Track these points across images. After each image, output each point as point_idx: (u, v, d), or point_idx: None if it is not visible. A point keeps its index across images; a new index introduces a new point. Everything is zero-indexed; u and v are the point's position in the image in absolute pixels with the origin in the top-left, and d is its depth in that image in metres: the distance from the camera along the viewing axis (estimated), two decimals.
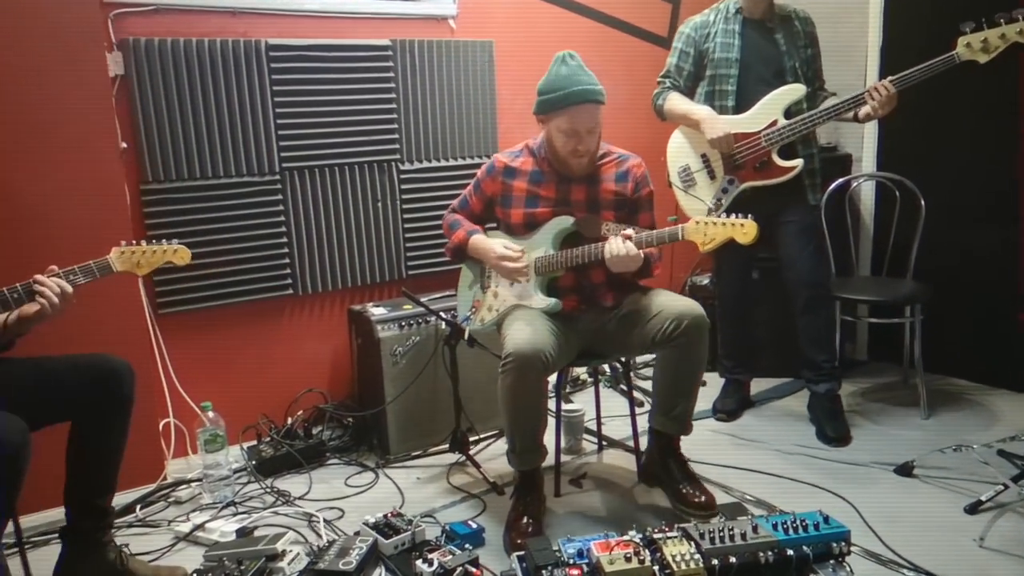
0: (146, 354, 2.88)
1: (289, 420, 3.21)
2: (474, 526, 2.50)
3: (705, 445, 3.14)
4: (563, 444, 3.19)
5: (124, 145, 2.77)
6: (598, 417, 3.21)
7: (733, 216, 2.27)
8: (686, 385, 2.55)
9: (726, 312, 3.49)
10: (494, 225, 2.80)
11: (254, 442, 3.15)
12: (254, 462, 3.05)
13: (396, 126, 3.40)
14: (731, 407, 3.46)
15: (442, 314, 3.01)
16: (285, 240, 3.22)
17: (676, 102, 3.16)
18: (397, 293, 3.55)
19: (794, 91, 2.97)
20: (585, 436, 3.27)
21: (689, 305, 2.45)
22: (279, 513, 2.74)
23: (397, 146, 3.41)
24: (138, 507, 2.81)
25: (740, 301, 3.45)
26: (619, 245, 2.38)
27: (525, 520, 2.45)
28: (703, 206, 3.12)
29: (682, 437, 2.67)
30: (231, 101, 3.03)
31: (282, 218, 3.20)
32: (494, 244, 2.61)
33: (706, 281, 4.20)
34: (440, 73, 3.46)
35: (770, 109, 2.98)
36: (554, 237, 2.57)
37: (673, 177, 3.23)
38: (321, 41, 3.16)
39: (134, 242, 2.24)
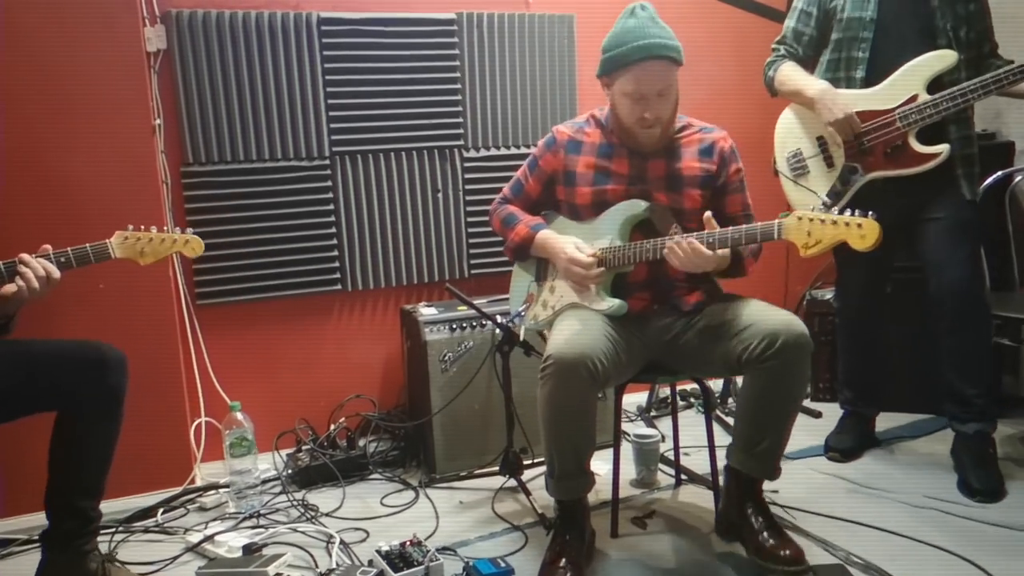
0: (174, 347, 2.69)
1: (332, 427, 2.92)
2: (502, 565, 2.09)
3: (810, 489, 2.56)
4: (635, 475, 2.73)
5: (158, 121, 2.60)
6: (676, 445, 2.71)
7: (848, 213, 1.77)
8: (776, 418, 2.03)
9: (848, 332, 2.89)
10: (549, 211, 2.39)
11: (294, 449, 2.88)
12: (289, 471, 2.80)
13: (460, 109, 3.08)
14: (848, 445, 2.84)
15: (493, 315, 2.62)
16: (334, 231, 2.97)
17: (788, 73, 2.64)
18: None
19: (941, 59, 2.39)
20: (662, 467, 2.78)
21: (787, 320, 1.95)
22: (298, 530, 2.44)
23: (461, 131, 3.09)
24: (160, 511, 2.60)
25: (866, 319, 2.83)
26: (685, 245, 1.96)
27: (563, 563, 2.01)
28: (816, 200, 2.57)
29: (768, 482, 2.13)
30: (279, 79, 2.82)
31: (331, 207, 2.95)
32: (564, 243, 2.20)
33: (829, 296, 3.56)
34: (512, 50, 3.11)
35: (909, 81, 2.40)
36: (623, 224, 2.15)
37: (780, 164, 2.70)
38: (378, 14, 2.90)
39: (142, 227, 2.03)
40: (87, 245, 1.92)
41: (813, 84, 2.56)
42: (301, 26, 2.82)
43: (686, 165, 2.15)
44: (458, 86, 3.06)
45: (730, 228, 1.94)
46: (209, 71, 2.74)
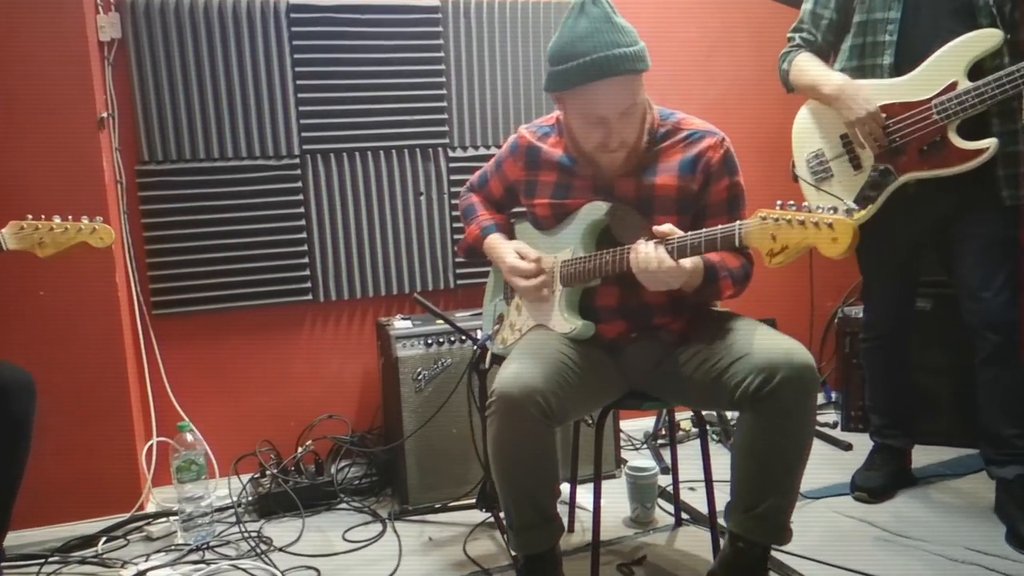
0: (121, 361, 2.47)
1: (299, 450, 2.67)
2: None
3: (830, 537, 2.21)
4: (630, 512, 2.41)
5: (104, 115, 2.39)
6: (675, 479, 2.37)
7: (821, 209, 1.41)
8: (780, 470, 1.66)
9: (874, 352, 2.53)
10: (523, 210, 2.10)
11: (256, 474, 2.63)
12: (249, 498, 2.55)
13: (445, 104, 2.83)
14: (878, 483, 2.48)
15: (469, 330, 2.33)
16: (304, 236, 2.74)
17: (804, 65, 2.32)
18: (443, 305, 2.93)
19: (984, 39, 2.05)
20: (662, 504, 2.45)
21: (787, 349, 1.60)
22: (240, 567, 2.19)
23: (446, 128, 2.84)
24: (102, 540, 2.37)
25: (896, 337, 2.47)
26: (648, 252, 1.61)
27: None
28: (841, 206, 2.23)
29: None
30: (244, 71, 2.61)
31: (301, 210, 2.72)
32: (506, 250, 1.91)
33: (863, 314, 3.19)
34: (503, 40, 2.85)
35: (946, 66, 2.08)
36: (585, 232, 1.82)
37: (800, 168, 2.38)
38: (352, 1, 2.67)
39: (42, 216, 1.80)
40: None
41: (830, 79, 2.24)
42: (268, 14, 2.61)
43: (661, 183, 1.76)
44: (443, 79, 2.81)
45: (688, 233, 1.61)
46: (168, 62, 2.54)
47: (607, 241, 1.79)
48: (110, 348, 2.43)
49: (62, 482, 2.40)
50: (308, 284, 2.76)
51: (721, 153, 1.78)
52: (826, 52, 2.36)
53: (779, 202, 1.45)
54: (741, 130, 3.10)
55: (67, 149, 2.33)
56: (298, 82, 2.66)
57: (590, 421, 2.49)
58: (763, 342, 1.64)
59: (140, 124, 2.54)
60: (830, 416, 3.21)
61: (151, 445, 2.60)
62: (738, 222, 1.53)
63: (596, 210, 1.80)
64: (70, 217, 1.84)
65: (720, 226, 1.56)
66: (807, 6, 2.36)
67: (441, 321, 2.53)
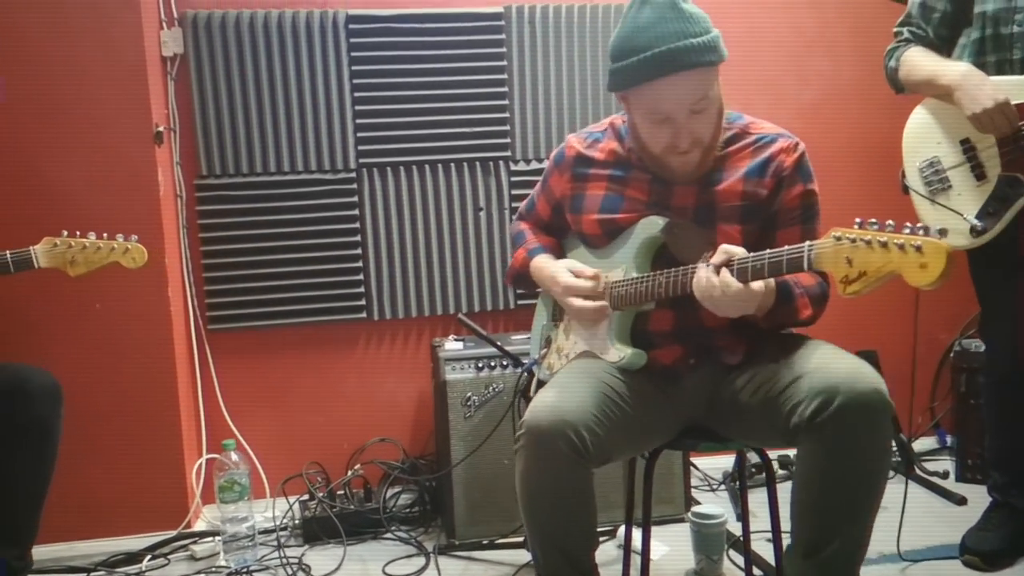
0: (171, 376, 2.45)
1: (348, 473, 2.57)
2: None
3: None
4: (694, 565, 2.16)
5: (160, 128, 2.40)
6: (745, 529, 2.09)
7: (908, 230, 1.15)
8: (845, 509, 1.40)
9: (996, 395, 2.18)
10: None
11: (305, 496, 2.55)
12: (296, 521, 2.47)
13: (507, 115, 2.69)
14: (994, 546, 2.11)
15: (517, 354, 2.17)
16: (360, 252, 2.66)
17: (917, 59, 2.04)
18: (503, 327, 2.79)
19: None
20: (732, 555, 2.19)
21: (851, 370, 1.35)
22: None
23: (507, 140, 2.70)
24: (147, 557, 2.34)
25: (1020, 380, 2.10)
26: (710, 278, 1.40)
27: None
28: (962, 224, 1.94)
29: None
30: (301, 84, 2.57)
31: (357, 225, 2.64)
32: (557, 268, 1.71)
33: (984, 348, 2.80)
34: (569, 47, 2.69)
35: None
36: (639, 250, 1.61)
37: (912, 179, 2.09)
38: (413, 10, 2.58)
39: (77, 233, 1.79)
40: (7, 252, 1.70)
41: (952, 67, 1.95)
42: (327, 26, 2.56)
43: (725, 190, 1.55)
44: (505, 89, 2.68)
45: (751, 255, 1.38)
46: (227, 76, 2.53)
47: (664, 260, 1.58)
48: (161, 362, 2.42)
49: (111, 496, 2.39)
50: (363, 301, 2.67)
51: (795, 157, 1.57)
52: (939, 48, 2.06)
53: (858, 220, 1.20)
54: (840, 139, 2.85)
55: (121, 163, 2.34)
56: (356, 94, 2.60)
57: (646, 455, 2.25)
58: (825, 362, 1.40)
59: (199, 138, 2.54)
60: (943, 464, 2.83)
61: (201, 462, 2.56)
62: (807, 242, 1.29)
63: (651, 226, 1.59)
64: (105, 235, 1.81)
65: (787, 247, 1.32)
66: None
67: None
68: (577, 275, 1.65)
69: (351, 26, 2.57)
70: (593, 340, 1.67)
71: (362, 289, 2.67)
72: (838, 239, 1.22)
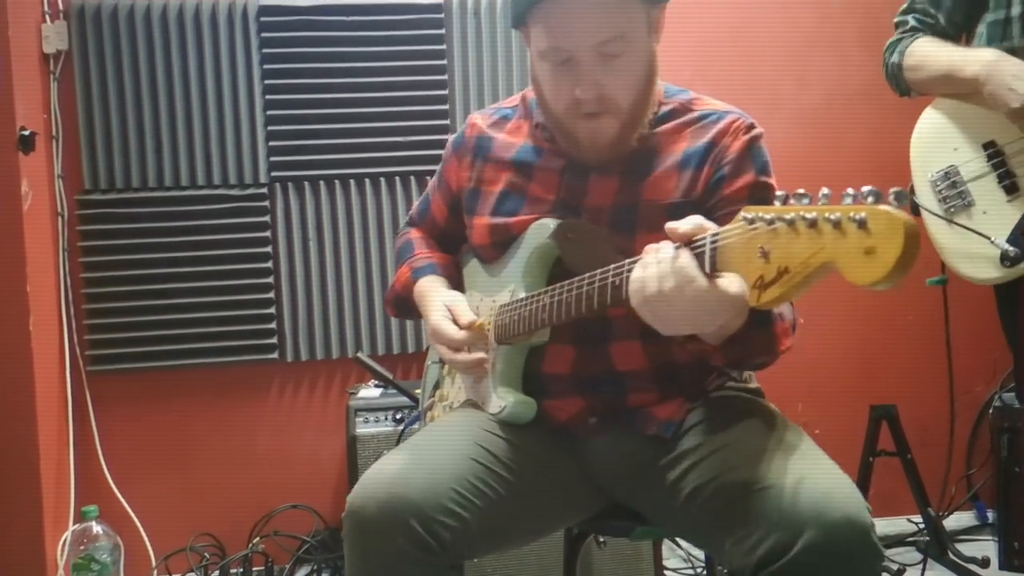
0: (30, 426, 2.05)
1: (247, 548, 2.14)
2: None
3: None
4: None
5: (27, 132, 2.04)
6: None
7: (851, 199, 0.71)
8: None
9: None
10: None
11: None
12: None
13: (448, 122, 2.32)
14: None
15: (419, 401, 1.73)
16: (271, 281, 2.28)
17: (927, 49, 1.65)
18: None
19: None
20: None
21: (824, 493, 0.92)
22: None
23: None
24: None
25: None
26: (664, 264, 0.89)
27: None
28: (990, 250, 1.54)
29: None
30: (204, 85, 2.24)
31: (268, 249, 2.28)
32: (433, 301, 1.28)
33: None
34: (521, 45, 2.31)
35: None
36: (528, 264, 1.20)
37: (923, 195, 1.68)
38: (332, 2, 2.24)
39: None
40: None
41: (976, 55, 1.56)
42: (235, 18, 2.23)
43: (654, 183, 1.15)
44: (445, 92, 2.31)
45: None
46: (117, 75, 2.21)
47: (564, 276, 1.14)
48: (17, 410, 2.03)
49: None
50: (274, 340, 2.29)
51: (745, 141, 1.14)
52: (952, 39, 1.65)
53: (780, 192, 0.77)
54: (848, 149, 2.41)
55: None
56: (268, 96, 2.26)
57: (602, 539, 1.78)
58: (788, 478, 0.95)
59: (83, 147, 2.19)
60: (983, 546, 2.35)
61: (67, 536, 2.13)
62: (709, 232, 0.86)
63: (541, 231, 1.17)
64: None
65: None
66: None
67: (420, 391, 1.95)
68: (455, 317, 1.22)
69: (263, 19, 2.24)
70: (476, 386, 1.25)
71: (274, 325, 2.28)
72: (749, 222, 0.78)
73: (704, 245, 0.86)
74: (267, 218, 2.26)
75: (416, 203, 1.51)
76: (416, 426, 1.52)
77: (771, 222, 0.75)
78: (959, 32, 1.66)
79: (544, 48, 1.12)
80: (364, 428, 1.95)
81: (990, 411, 2.46)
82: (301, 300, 2.28)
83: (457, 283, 1.34)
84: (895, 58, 1.69)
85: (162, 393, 2.27)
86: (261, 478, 2.28)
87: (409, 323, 2.32)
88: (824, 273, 0.72)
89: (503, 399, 1.16)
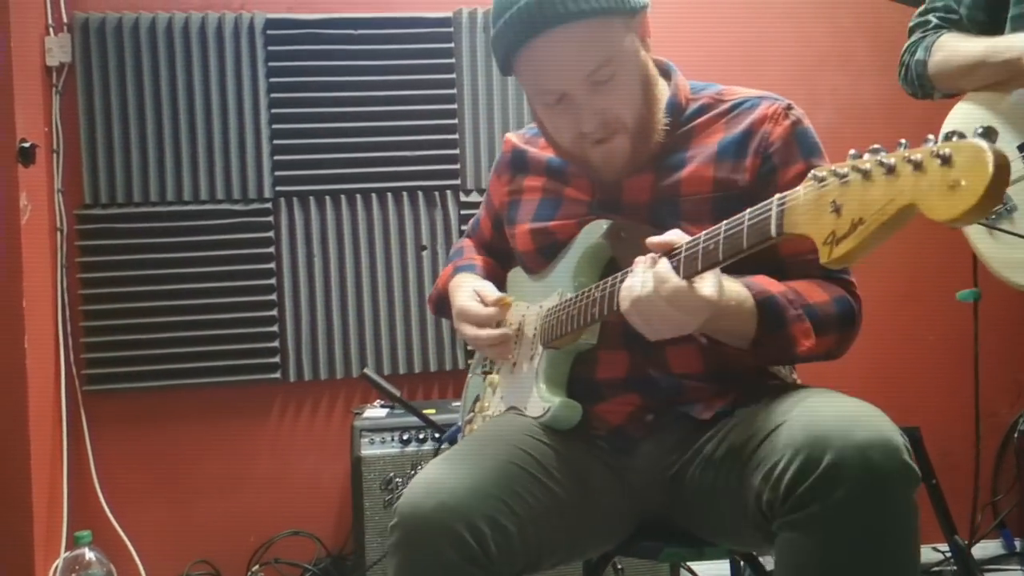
0: (23, 448, 1.98)
1: (249, 573, 2.06)
2: None
3: None
4: None
5: (27, 143, 1.99)
6: None
7: (932, 143, 0.67)
8: None
9: None
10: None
11: None
12: None
13: (456, 136, 2.27)
14: None
15: (431, 420, 1.67)
16: (275, 298, 2.21)
17: (953, 43, 1.55)
18: (452, 391, 2.29)
19: None
20: None
21: (851, 416, 0.88)
22: None
23: (457, 166, 2.27)
24: None
25: None
26: (642, 275, 0.94)
27: None
28: None
29: None
30: (209, 98, 2.20)
31: (272, 265, 2.21)
32: (463, 286, 1.27)
33: None
34: None
35: None
36: (579, 265, 1.16)
37: None
38: (342, 14, 2.21)
39: None
40: None
41: (1015, 38, 1.45)
42: (241, 31, 2.19)
43: (691, 177, 1.12)
44: (454, 106, 2.26)
45: (701, 235, 0.92)
46: (121, 89, 2.17)
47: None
48: (10, 431, 1.96)
49: None
50: (277, 359, 2.21)
51: (787, 125, 1.11)
52: (975, 35, 1.58)
53: (853, 151, 0.73)
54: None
55: None
56: (273, 111, 2.21)
57: (620, 566, 1.70)
58: (812, 406, 0.93)
59: (84, 160, 2.14)
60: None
61: (58, 563, 2.04)
62: (776, 195, 0.83)
63: (593, 232, 1.15)
64: None
65: (748, 210, 0.87)
66: None
67: (432, 410, 1.89)
68: (482, 297, 1.20)
69: (270, 32, 2.19)
70: (518, 390, 1.20)
71: (277, 344, 2.21)
72: (820, 180, 0.75)
73: (680, 254, 0.92)
74: (271, 234, 2.20)
75: (471, 220, 1.50)
76: (460, 438, 1.44)
77: (843, 176, 0.72)
78: (981, 30, 1.59)
79: (535, 92, 1.12)
80: (370, 449, 1.87)
81: (1015, 435, 2.38)
82: (305, 318, 2.21)
83: (500, 287, 1.31)
84: (920, 55, 1.60)
85: (160, 414, 2.19)
86: (261, 503, 2.20)
87: (416, 344, 2.25)
88: (902, 221, 0.69)
89: (548, 401, 1.12)
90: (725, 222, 0.88)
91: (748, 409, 1.03)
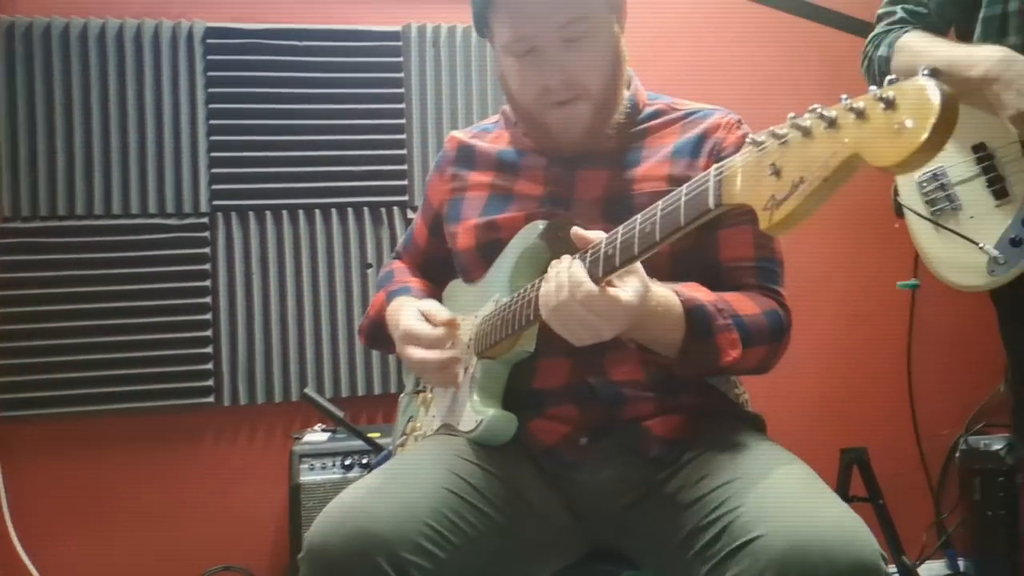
0: None
1: None
2: None
3: None
4: None
5: None
6: None
7: (874, 90, 0.63)
8: None
9: None
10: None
11: None
12: None
13: (404, 152, 2.21)
14: None
15: (373, 441, 1.59)
16: (209, 318, 2.11)
17: (922, 44, 1.51)
18: (396, 415, 2.20)
19: None
20: None
21: (833, 537, 0.82)
22: None
23: (405, 182, 2.21)
24: None
25: None
26: (555, 279, 0.91)
27: None
28: (977, 256, 1.46)
29: None
30: (143, 107, 2.10)
31: (207, 283, 2.11)
32: (406, 308, 1.18)
33: (1000, 446, 2.30)
34: (480, 74, 2.26)
35: None
36: (515, 267, 1.10)
37: (907, 195, 1.59)
38: (287, 25, 2.14)
39: None
40: None
41: (982, 53, 1.41)
42: (180, 40, 2.10)
43: (646, 173, 1.10)
44: (402, 121, 2.21)
45: (621, 226, 0.89)
46: (47, 96, 2.05)
47: None
48: None
49: None
50: (210, 382, 2.10)
51: (740, 135, 1.12)
52: (940, 33, 1.57)
53: (792, 115, 0.70)
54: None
55: None
56: (212, 122, 2.12)
57: None
58: (796, 514, 0.85)
59: (3, 171, 2.01)
60: None
61: None
62: (714, 166, 0.79)
63: (529, 234, 1.09)
64: None
65: (685, 185, 0.83)
66: None
67: (377, 433, 1.81)
68: (429, 318, 1.12)
69: (209, 41, 2.12)
70: (451, 406, 1.13)
71: (210, 366, 2.10)
72: (758, 144, 0.72)
73: (599, 252, 0.88)
74: (207, 250, 2.10)
75: (402, 238, 1.43)
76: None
77: (782, 136, 0.69)
78: (949, 27, 1.58)
79: (507, 40, 1.08)
80: (309, 476, 1.78)
81: (957, 455, 2.42)
82: (242, 338, 2.10)
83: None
84: (882, 51, 1.55)
85: (83, 442, 2.05)
86: (191, 536, 2.06)
87: (360, 366, 2.16)
88: (846, 175, 0.65)
89: (480, 413, 1.04)
90: (661, 201, 0.84)
91: (707, 463, 0.97)
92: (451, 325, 1.11)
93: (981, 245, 1.43)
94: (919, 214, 1.55)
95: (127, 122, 2.07)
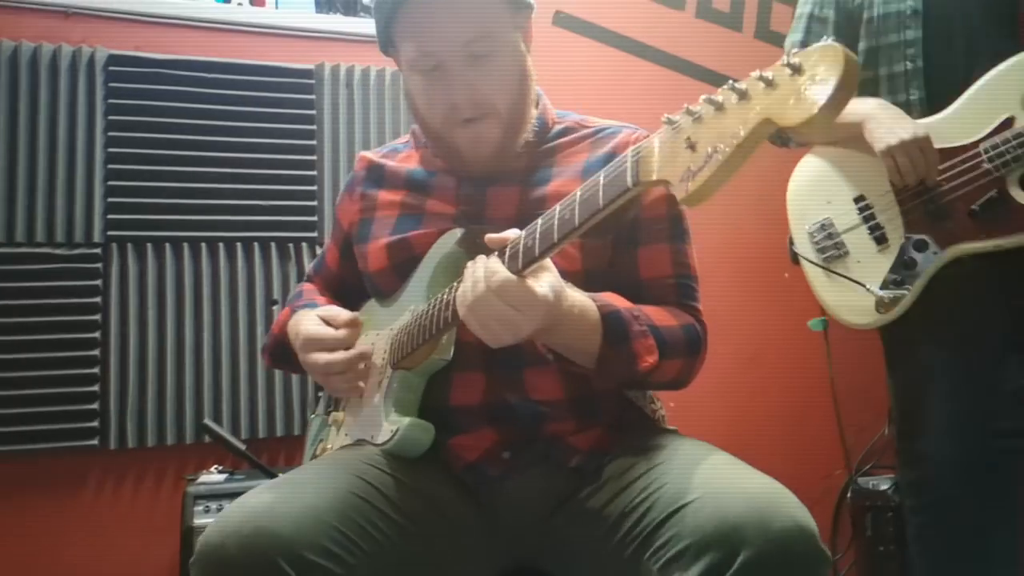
0: None
1: None
2: None
3: None
4: None
5: None
6: None
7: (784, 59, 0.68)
8: None
9: (939, 522, 1.64)
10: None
11: None
12: None
13: (315, 188, 2.18)
14: None
15: (273, 472, 1.51)
16: (97, 354, 1.98)
17: None
18: (299, 458, 2.12)
19: None
20: None
21: (767, 500, 0.83)
22: None
23: (314, 218, 2.18)
24: None
25: (976, 492, 1.59)
26: (471, 275, 0.91)
27: None
28: (864, 299, 1.62)
29: None
30: (34, 132, 1.99)
31: (97, 317, 1.99)
32: (305, 319, 1.16)
33: (887, 486, 2.40)
34: (394, 114, 2.28)
35: (995, 97, 1.58)
36: (433, 276, 1.10)
37: (801, 244, 1.75)
38: (195, 57, 2.11)
39: None
40: None
41: (863, 101, 1.65)
42: (80, 66, 2.02)
43: (557, 190, 1.11)
44: (313, 157, 2.19)
45: (539, 223, 0.91)
46: None
47: None
48: None
49: None
50: (95, 423, 1.96)
51: None
52: None
53: (705, 96, 0.74)
54: (736, 201, 2.42)
55: None
56: (110, 150, 2.03)
57: None
58: (723, 481, 0.87)
59: None
60: None
61: None
62: (631, 148, 0.82)
63: (446, 242, 1.10)
64: None
65: (603, 169, 0.86)
66: (795, 36, 1.81)
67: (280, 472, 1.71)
68: (330, 321, 1.11)
69: (111, 68, 2.04)
70: (365, 421, 1.11)
71: (95, 406, 1.96)
72: (673, 123, 0.75)
73: (518, 246, 0.88)
74: (99, 282, 1.98)
75: (313, 262, 1.41)
76: None
77: (696, 113, 0.72)
78: None
79: (412, 57, 1.09)
80: (204, 518, 1.67)
81: (848, 496, 2.51)
82: (133, 377, 1.98)
83: None
84: None
85: None
86: None
87: (262, 406, 2.08)
88: (757, 140, 0.68)
89: (395, 423, 1.02)
90: (579, 188, 0.87)
91: (629, 460, 0.98)
92: (353, 325, 1.10)
93: (868, 287, 1.57)
94: (812, 261, 1.67)
95: (16, 146, 1.95)
